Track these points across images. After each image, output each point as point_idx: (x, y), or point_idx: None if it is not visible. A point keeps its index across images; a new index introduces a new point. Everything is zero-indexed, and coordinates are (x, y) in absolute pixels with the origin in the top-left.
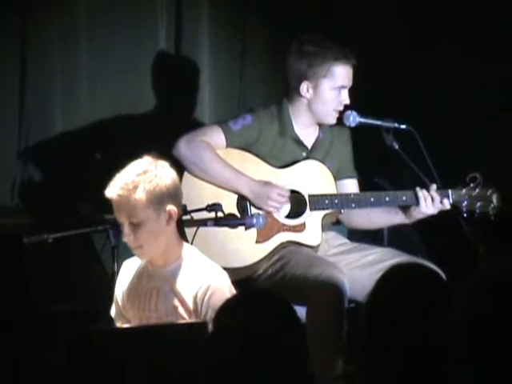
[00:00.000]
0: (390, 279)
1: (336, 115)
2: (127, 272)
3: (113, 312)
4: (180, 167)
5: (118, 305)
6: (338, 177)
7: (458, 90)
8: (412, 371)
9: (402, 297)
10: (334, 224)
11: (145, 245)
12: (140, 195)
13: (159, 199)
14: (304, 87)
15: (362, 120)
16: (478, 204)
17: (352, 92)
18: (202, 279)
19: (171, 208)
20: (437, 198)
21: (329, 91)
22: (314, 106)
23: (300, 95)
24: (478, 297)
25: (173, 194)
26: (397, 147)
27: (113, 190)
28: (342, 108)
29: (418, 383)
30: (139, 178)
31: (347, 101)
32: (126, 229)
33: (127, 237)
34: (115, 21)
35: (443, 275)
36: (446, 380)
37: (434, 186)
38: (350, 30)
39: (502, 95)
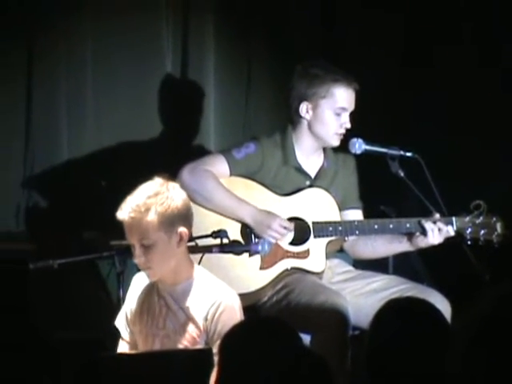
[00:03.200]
0: (385, 315)
1: (338, 138)
2: (138, 286)
3: (119, 322)
4: None
5: (127, 318)
6: (342, 207)
7: (465, 117)
8: None
9: (397, 333)
10: (338, 251)
11: (154, 266)
12: (152, 217)
13: (171, 221)
14: (303, 108)
15: (368, 147)
16: (482, 232)
17: (358, 118)
18: (213, 297)
19: (182, 230)
20: (443, 228)
21: (328, 112)
22: (314, 127)
23: (300, 117)
24: (477, 336)
25: (184, 216)
26: (402, 175)
27: (125, 213)
28: (343, 131)
29: None
30: (151, 201)
31: (348, 124)
32: (138, 250)
33: (138, 258)
34: (121, 48)
35: (447, 303)
36: None
37: (437, 216)
38: (355, 57)
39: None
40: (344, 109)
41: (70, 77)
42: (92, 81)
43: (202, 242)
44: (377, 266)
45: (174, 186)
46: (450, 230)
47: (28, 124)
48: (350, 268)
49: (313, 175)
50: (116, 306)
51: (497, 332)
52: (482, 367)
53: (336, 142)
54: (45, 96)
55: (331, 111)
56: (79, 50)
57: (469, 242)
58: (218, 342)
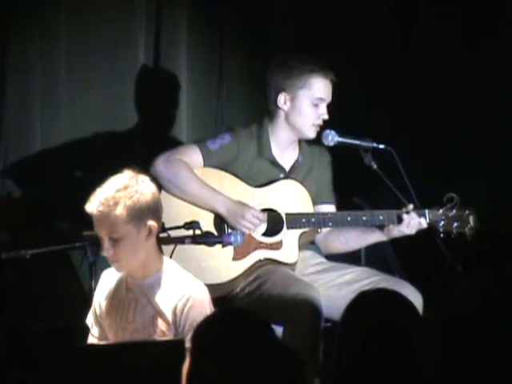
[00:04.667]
0: (356, 307)
1: (315, 130)
2: (106, 282)
3: (89, 320)
4: (158, 185)
5: (96, 314)
6: (315, 201)
7: (438, 109)
8: None
9: (368, 324)
10: (311, 243)
11: (123, 259)
12: (120, 211)
13: (140, 215)
14: (281, 99)
15: (341, 139)
16: (455, 224)
17: (331, 110)
18: (182, 291)
19: (151, 223)
20: (415, 218)
21: (306, 103)
22: (291, 119)
23: (278, 108)
24: (449, 328)
25: (153, 209)
26: (375, 167)
27: (93, 206)
28: (320, 122)
29: None
30: (119, 194)
31: (325, 115)
32: (106, 243)
33: (106, 251)
34: (95, 37)
35: (419, 295)
36: None
37: (410, 206)
38: (326, 49)
39: (485, 113)
40: (321, 99)
41: (44, 68)
42: (66, 72)
43: (174, 233)
44: (349, 258)
45: (143, 180)
46: (423, 223)
47: (1, 114)
48: (323, 260)
49: (287, 169)
50: (88, 296)
51: (468, 324)
52: (454, 359)
53: (312, 134)
54: (18, 87)
55: (309, 102)
56: (53, 41)
57: (441, 235)
58: (190, 335)
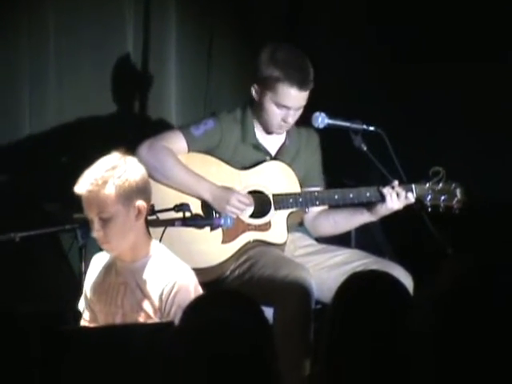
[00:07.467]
0: (349, 288)
1: (280, 130)
2: (97, 266)
3: (81, 305)
4: None
5: (87, 298)
6: (304, 185)
7: (425, 89)
8: (375, 373)
9: (361, 306)
10: (300, 225)
11: (113, 240)
12: (109, 190)
13: (128, 194)
14: (253, 89)
15: (331, 122)
16: (442, 198)
17: (320, 92)
18: (168, 276)
19: (140, 203)
20: (401, 192)
21: (270, 104)
22: (258, 110)
23: (251, 96)
24: (441, 306)
25: (142, 190)
26: (365, 149)
27: (82, 186)
28: (286, 125)
29: None
30: (108, 174)
31: (290, 122)
32: (96, 224)
33: (97, 232)
34: (82, 23)
35: (409, 277)
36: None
37: (395, 182)
38: (316, 34)
39: (468, 93)
40: (287, 107)
41: (32, 53)
42: (54, 55)
43: (163, 217)
44: (339, 240)
45: (131, 160)
46: (410, 197)
47: None
48: (313, 242)
49: (273, 152)
50: (78, 278)
51: (455, 307)
52: (446, 340)
53: (277, 131)
54: (6, 71)
55: (273, 104)
56: (41, 24)
57: (429, 209)
58: (178, 318)
